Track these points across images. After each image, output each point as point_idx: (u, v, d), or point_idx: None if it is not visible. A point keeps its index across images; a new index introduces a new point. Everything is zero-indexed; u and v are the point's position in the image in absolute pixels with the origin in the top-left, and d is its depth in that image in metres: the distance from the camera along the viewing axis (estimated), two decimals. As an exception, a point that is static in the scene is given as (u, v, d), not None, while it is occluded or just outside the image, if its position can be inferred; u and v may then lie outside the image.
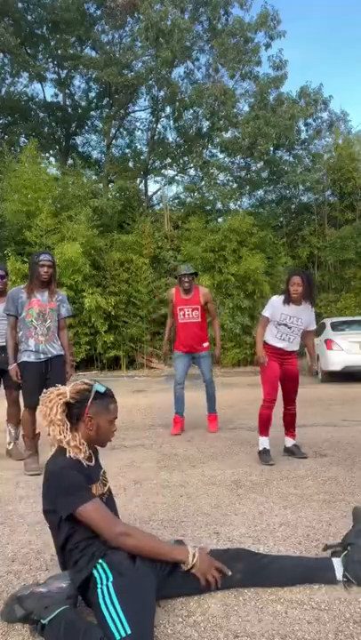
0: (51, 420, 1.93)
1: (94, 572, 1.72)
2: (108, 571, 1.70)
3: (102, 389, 1.99)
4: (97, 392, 1.98)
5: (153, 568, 1.78)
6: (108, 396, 2.01)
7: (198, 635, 1.65)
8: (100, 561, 1.74)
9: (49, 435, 1.95)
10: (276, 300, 3.96)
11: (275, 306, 3.93)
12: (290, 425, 4.10)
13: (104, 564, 1.73)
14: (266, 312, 3.99)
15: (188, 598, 1.87)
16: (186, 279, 5.09)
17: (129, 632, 1.48)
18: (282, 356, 3.99)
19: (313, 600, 1.83)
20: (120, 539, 1.77)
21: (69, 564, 1.82)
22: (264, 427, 3.95)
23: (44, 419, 1.97)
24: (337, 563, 1.96)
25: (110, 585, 1.64)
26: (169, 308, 5.40)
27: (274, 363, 3.96)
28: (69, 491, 1.81)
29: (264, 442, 3.92)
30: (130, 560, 1.75)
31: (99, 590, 1.64)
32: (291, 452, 4.03)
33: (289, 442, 4.08)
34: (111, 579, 1.66)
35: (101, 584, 1.66)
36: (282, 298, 3.92)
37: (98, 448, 2.10)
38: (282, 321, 3.91)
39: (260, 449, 3.92)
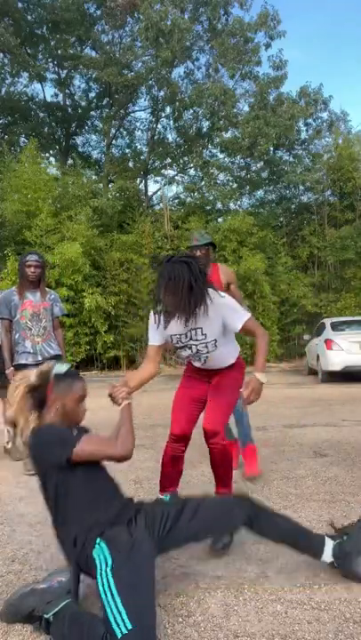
0: (11, 402, 1.92)
1: (94, 553, 1.70)
2: (106, 552, 1.67)
3: (62, 370, 1.96)
4: (56, 374, 1.94)
5: (151, 535, 1.77)
6: (69, 376, 1.97)
7: (198, 635, 1.65)
8: (99, 540, 1.72)
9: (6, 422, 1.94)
10: (151, 319, 2.48)
11: (153, 328, 2.51)
12: (215, 469, 2.59)
13: (102, 544, 1.71)
14: (151, 340, 2.58)
15: (188, 598, 1.87)
16: (199, 252, 3.57)
17: (130, 627, 1.46)
18: (208, 373, 2.65)
19: (313, 600, 1.83)
20: (124, 449, 1.92)
21: (67, 543, 1.79)
22: (165, 477, 2.67)
23: (7, 404, 1.96)
24: (329, 545, 1.96)
25: (109, 573, 1.61)
26: None
27: (189, 385, 2.68)
28: (59, 441, 1.82)
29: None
30: (128, 534, 1.73)
31: (99, 578, 1.63)
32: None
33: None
34: (110, 564, 1.63)
35: (101, 569, 1.64)
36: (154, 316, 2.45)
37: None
38: (177, 344, 2.51)
39: None
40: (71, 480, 1.82)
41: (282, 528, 1.96)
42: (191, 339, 2.43)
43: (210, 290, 2.30)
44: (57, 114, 20.05)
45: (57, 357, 3.84)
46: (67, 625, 1.58)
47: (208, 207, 17.78)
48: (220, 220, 17.20)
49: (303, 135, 17.67)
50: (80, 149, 21.32)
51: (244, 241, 14.82)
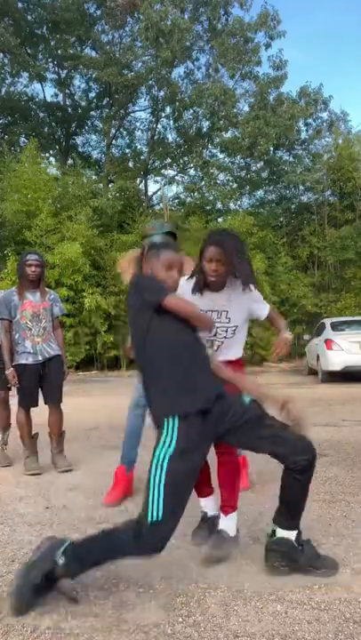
0: (122, 268, 2.22)
1: (165, 421, 1.82)
2: (175, 433, 1.80)
3: (156, 240, 2.17)
4: (150, 244, 2.13)
5: (216, 430, 1.89)
6: (159, 246, 2.10)
7: (198, 635, 1.65)
8: (176, 416, 1.82)
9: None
10: (184, 284, 2.32)
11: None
12: (223, 485, 2.38)
13: (176, 422, 1.81)
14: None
15: (188, 598, 1.87)
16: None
17: (160, 519, 1.74)
18: None
19: (313, 600, 1.83)
20: (207, 319, 2.04)
21: (151, 393, 1.92)
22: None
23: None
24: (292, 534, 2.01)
25: (167, 458, 1.78)
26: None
27: None
28: (157, 285, 1.94)
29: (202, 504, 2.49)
30: (199, 426, 1.83)
31: (157, 451, 1.80)
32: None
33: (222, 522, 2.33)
34: (172, 448, 1.78)
35: (163, 446, 1.80)
36: (191, 283, 2.38)
37: None
38: None
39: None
40: (160, 326, 1.89)
41: (301, 497, 2.05)
42: (215, 319, 2.36)
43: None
44: (57, 114, 20.06)
45: (56, 357, 3.84)
46: (84, 550, 1.78)
47: (208, 207, 17.78)
48: (220, 219, 17.20)
49: (303, 135, 17.69)
50: (80, 149, 21.33)
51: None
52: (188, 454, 1.81)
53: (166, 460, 1.78)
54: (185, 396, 1.85)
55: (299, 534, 2.04)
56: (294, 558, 1.99)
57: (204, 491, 2.48)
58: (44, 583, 1.76)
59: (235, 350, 2.52)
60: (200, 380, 1.89)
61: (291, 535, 2.01)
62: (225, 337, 2.43)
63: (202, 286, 2.34)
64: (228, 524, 2.29)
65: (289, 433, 1.98)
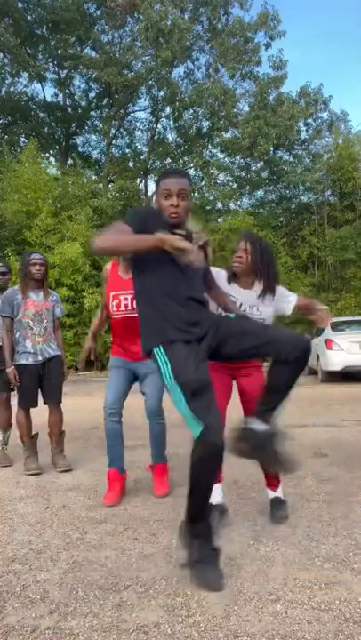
0: None
1: (153, 353, 1.97)
2: (166, 358, 1.93)
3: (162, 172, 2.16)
4: (160, 174, 2.15)
5: (210, 345, 1.99)
6: (161, 175, 2.11)
7: (198, 635, 1.65)
8: (158, 346, 1.96)
9: None
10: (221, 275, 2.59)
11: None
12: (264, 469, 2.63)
13: (161, 350, 1.95)
14: None
15: (188, 598, 1.87)
16: None
17: (203, 426, 1.77)
18: (233, 364, 2.56)
19: (313, 600, 1.83)
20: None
21: (141, 323, 2.08)
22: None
23: None
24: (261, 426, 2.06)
25: (172, 376, 1.88)
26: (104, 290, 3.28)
27: (218, 377, 2.40)
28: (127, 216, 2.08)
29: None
30: (187, 352, 1.92)
31: (163, 379, 1.93)
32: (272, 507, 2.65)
33: (270, 493, 2.69)
34: (170, 369, 1.90)
35: (163, 372, 1.93)
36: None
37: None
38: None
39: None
40: (138, 275, 2.09)
41: (286, 388, 2.05)
42: (246, 310, 2.51)
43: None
44: (57, 114, 20.06)
45: (56, 358, 3.84)
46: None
47: (208, 207, 17.78)
48: (220, 220, 17.20)
49: (303, 135, 17.69)
50: (80, 149, 21.33)
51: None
52: (188, 366, 1.88)
53: (172, 379, 1.88)
54: (159, 330, 1.99)
55: (269, 429, 2.07)
56: (257, 447, 2.05)
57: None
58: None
59: None
60: (172, 314, 1.99)
61: (263, 427, 2.06)
62: None
63: (230, 277, 2.56)
64: (280, 492, 2.67)
65: (279, 332, 2.02)
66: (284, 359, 1.96)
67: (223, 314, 2.22)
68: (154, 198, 2.16)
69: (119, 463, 3.14)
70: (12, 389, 4.14)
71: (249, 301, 2.54)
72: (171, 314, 1.99)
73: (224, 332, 2.01)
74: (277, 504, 2.64)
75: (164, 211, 2.05)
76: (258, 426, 2.06)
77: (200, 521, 1.95)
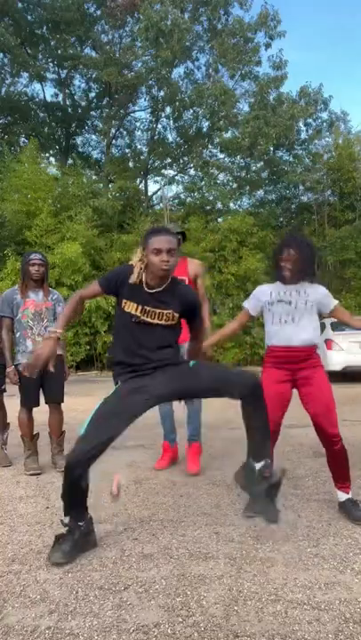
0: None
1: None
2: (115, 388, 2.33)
3: (150, 230, 2.35)
4: (145, 233, 2.33)
5: (164, 384, 2.23)
6: (150, 233, 2.30)
7: (198, 635, 1.65)
8: (117, 383, 2.36)
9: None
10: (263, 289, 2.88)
11: (261, 290, 2.85)
12: (335, 471, 2.77)
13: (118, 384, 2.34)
14: (246, 302, 2.94)
15: (188, 598, 1.87)
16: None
17: (82, 433, 2.19)
18: (291, 364, 2.68)
19: (313, 600, 1.83)
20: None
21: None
22: None
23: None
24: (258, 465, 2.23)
25: (102, 400, 2.27)
26: None
27: (275, 389, 2.64)
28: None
29: None
30: (124, 385, 2.29)
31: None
32: (344, 509, 2.69)
33: (342, 496, 2.73)
34: (108, 395, 2.29)
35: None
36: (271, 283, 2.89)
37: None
38: (278, 298, 2.74)
39: None
40: (116, 317, 2.44)
41: (256, 425, 2.23)
42: (294, 296, 2.72)
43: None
44: (57, 114, 20.05)
45: (58, 357, 3.83)
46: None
47: (208, 207, 17.77)
48: (220, 220, 17.19)
49: (303, 135, 17.66)
50: (80, 149, 21.32)
51: (244, 241, 14.81)
52: (112, 400, 2.26)
53: (101, 401, 2.26)
54: (118, 369, 2.36)
55: (264, 466, 2.23)
56: (250, 484, 2.25)
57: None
58: None
59: (313, 331, 2.72)
60: (127, 357, 2.33)
61: (256, 465, 2.23)
62: (305, 309, 2.70)
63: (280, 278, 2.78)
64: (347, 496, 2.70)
65: (227, 375, 2.23)
66: (240, 398, 2.16)
67: (184, 358, 2.49)
68: (138, 252, 2.32)
69: (169, 438, 3.82)
70: (5, 390, 4.14)
71: (297, 289, 2.74)
72: (121, 359, 2.36)
73: (178, 377, 2.24)
74: (350, 505, 2.66)
75: (153, 265, 2.24)
76: (255, 464, 2.24)
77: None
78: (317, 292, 2.75)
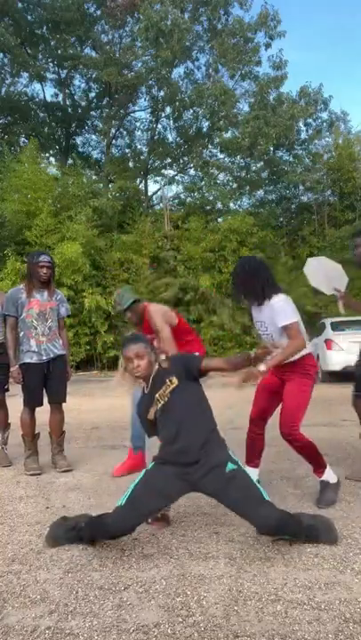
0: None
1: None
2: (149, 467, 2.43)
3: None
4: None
5: (179, 474, 2.29)
6: (123, 342, 2.57)
7: (198, 635, 1.65)
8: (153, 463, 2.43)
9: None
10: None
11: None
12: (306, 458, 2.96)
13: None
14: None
15: (188, 598, 1.87)
16: (129, 315, 3.59)
17: (122, 504, 2.25)
18: (278, 368, 2.85)
19: (313, 600, 1.83)
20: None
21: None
22: (247, 454, 3.09)
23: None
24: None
25: (143, 472, 2.40)
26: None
27: (270, 376, 2.97)
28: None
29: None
30: (160, 466, 2.36)
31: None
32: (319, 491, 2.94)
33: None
34: (142, 474, 2.39)
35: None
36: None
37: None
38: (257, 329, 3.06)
39: None
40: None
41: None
42: (260, 327, 2.96)
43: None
44: (57, 114, 20.06)
45: (61, 357, 3.83)
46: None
47: (208, 207, 17.77)
48: (220, 220, 17.19)
49: (303, 135, 17.66)
50: (80, 149, 21.33)
51: (244, 241, 14.82)
52: (151, 482, 2.30)
53: (141, 476, 2.36)
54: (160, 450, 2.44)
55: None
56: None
57: (253, 462, 3.05)
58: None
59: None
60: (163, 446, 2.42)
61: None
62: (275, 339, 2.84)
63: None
64: (327, 476, 2.88)
65: (251, 510, 2.19)
66: (259, 531, 2.25)
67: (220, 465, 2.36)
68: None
69: (135, 445, 3.64)
70: (8, 389, 4.14)
71: (260, 319, 2.94)
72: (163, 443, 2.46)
73: (213, 483, 2.27)
74: (323, 487, 2.88)
75: (130, 372, 2.50)
76: None
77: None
78: (271, 310, 2.84)
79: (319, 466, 2.90)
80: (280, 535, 2.25)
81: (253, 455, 3.06)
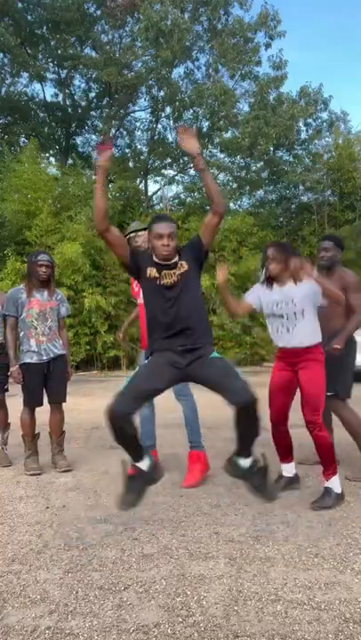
0: None
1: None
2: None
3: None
4: (150, 221, 2.60)
5: (171, 362, 2.41)
6: (152, 220, 2.57)
7: (198, 635, 1.65)
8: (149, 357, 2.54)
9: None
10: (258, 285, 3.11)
11: (256, 291, 3.10)
12: (319, 456, 2.96)
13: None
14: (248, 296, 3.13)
15: (188, 598, 1.87)
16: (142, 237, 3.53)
17: (121, 389, 2.30)
18: (290, 358, 2.98)
19: (313, 600, 1.83)
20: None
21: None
22: (278, 452, 3.19)
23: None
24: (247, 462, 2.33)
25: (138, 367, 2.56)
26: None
27: (279, 373, 3.07)
28: None
29: (283, 468, 3.21)
30: (152, 358, 2.49)
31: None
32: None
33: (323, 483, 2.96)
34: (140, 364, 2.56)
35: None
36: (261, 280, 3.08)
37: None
38: (269, 311, 3.01)
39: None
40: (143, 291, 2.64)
41: (243, 431, 2.30)
42: (283, 307, 2.93)
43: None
44: (57, 114, 20.04)
45: (61, 357, 3.83)
46: None
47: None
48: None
49: (303, 135, 17.64)
50: (80, 149, 21.29)
51: (244, 241, 14.82)
52: (145, 370, 2.44)
53: (136, 370, 2.50)
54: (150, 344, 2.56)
55: (254, 462, 2.33)
56: (248, 479, 2.34)
57: (287, 458, 3.15)
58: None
59: (305, 337, 2.93)
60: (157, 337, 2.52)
61: (246, 462, 2.32)
62: (296, 321, 2.92)
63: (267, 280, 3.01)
64: (333, 484, 2.88)
65: (231, 383, 2.28)
66: (235, 407, 2.24)
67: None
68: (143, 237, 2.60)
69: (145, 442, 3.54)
70: (7, 390, 4.14)
71: (285, 299, 2.93)
72: (154, 334, 2.55)
73: (198, 369, 2.39)
74: (324, 493, 2.89)
75: (156, 248, 2.49)
76: (241, 461, 2.33)
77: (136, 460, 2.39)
78: (308, 291, 2.90)
79: (330, 468, 2.89)
80: (246, 413, 2.23)
81: (287, 452, 3.15)
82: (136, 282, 3.21)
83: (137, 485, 2.33)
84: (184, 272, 2.51)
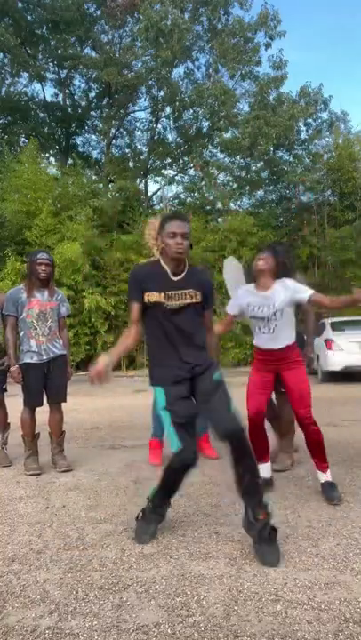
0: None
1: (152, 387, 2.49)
2: (159, 394, 2.42)
3: (165, 216, 2.49)
4: (162, 219, 2.47)
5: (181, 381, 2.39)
6: (165, 219, 2.44)
7: (198, 635, 1.65)
8: (156, 387, 2.46)
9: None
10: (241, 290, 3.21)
11: (236, 301, 3.20)
12: (313, 450, 3.01)
13: (156, 388, 2.46)
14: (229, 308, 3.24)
15: (188, 598, 1.87)
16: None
17: (180, 446, 2.27)
18: (271, 358, 3.08)
19: (313, 600, 1.83)
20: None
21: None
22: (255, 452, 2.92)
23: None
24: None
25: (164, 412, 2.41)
26: None
27: (259, 373, 3.15)
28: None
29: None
30: (175, 393, 2.39)
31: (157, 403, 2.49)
32: (322, 490, 2.98)
33: (321, 476, 3.00)
34: (163, 401, 2.39)
35: (157, 400, 2.46)
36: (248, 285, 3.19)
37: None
38: (251, 314, 3.09)
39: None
40: (146, 323, 2.49)
41: (244, 481, 2.25)
42: (264, 310, 3.01)
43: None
44: (57, 114, 20.05)
45: (61, 357, 3.83)
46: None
47: (208, 207, 17.76)
48: (219, 220, 17.19)
49: (303, 135, 17.65)
50: (80, 149, 21.31)
51: (244, 241, 14.82)
52: (174, 403, 2.34)
53: (163, 407, 2.36)
54: (160, 373, 2.46)
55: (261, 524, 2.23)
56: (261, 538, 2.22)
57: (263, 458, 3.12)
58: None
59: (286, 338, 3.04)
60: (170, 362, 2.42)
61: (256, 519, 2.23)
62: (279, 322, 3.00)
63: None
64: (329, 476, 2.96)
65: (219, 413, 2.29)
66: (218, 436, 2.27)
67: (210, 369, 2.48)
68: (148, 231, 2.54)
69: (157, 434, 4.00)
70: (6, 390, 4.14)
71: (264, 303, 3.01)
72: (168, 363, 2.45)
73: (200, 391, 2.39)
74: (328, 486, 2.94)
75: (169, 247, 2.39)
76: (254, 516, 2.23)
77: (159, 506, 2.46)
78: (284, 294, 2.98)
79: (325, 461, 2.97)
80: (238, 440, 2.23)
81: (263, 452, 3.15)
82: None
83: (153, 518, 2.47)
84: (193, 304, 2.44)
